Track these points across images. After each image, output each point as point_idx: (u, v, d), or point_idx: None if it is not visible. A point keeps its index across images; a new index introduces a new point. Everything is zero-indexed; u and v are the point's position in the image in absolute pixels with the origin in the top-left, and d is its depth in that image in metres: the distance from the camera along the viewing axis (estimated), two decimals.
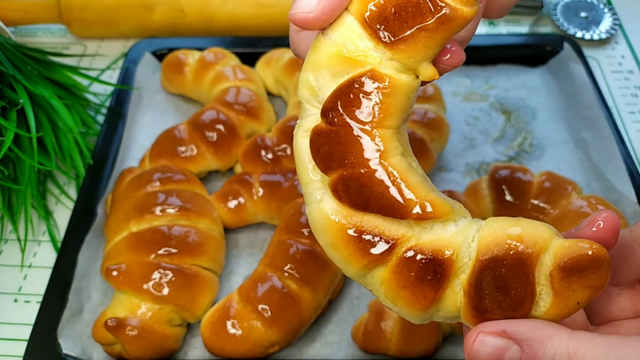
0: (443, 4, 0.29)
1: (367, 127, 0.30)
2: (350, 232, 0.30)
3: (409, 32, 0.30)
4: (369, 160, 0.30)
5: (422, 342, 0.49)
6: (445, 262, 0.29)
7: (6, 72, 0.58)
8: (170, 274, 0.50)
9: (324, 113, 0.31)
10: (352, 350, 0.51)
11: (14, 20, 0.77)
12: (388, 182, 0.30)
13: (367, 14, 0.30)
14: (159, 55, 0.74)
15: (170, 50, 0.73)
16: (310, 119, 0.32)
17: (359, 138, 0.30)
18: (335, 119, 0.30)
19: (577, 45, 0.72)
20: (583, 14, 0.79)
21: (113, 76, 0.75)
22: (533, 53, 0.75)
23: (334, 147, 0.30)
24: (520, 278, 0.29)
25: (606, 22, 0.79)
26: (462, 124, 0.69)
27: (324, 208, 0.31)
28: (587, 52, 0.76)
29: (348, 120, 0.30)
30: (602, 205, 0.54)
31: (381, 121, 0.30)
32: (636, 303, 0.33)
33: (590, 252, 0.28)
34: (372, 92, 0.30)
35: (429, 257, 0.29)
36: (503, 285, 0.29)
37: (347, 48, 0.30)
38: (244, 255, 0.58)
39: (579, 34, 0.77)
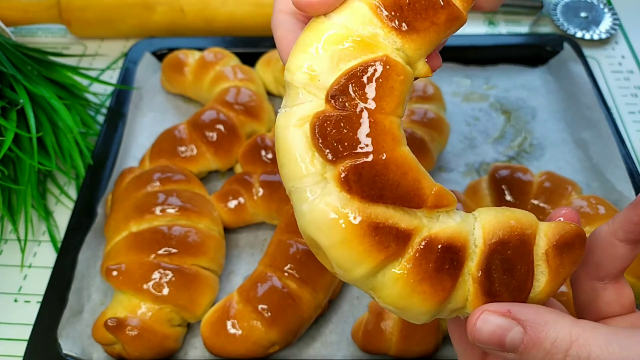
0: (450, 3, 0.30)
1: (380, 113, 0.29)
2: (365, 225, 0.28)
3: (422, 24, 0.29)
4: (383, 147, 0.28)
5: (422, 342, 0.49)
6: (460, 249, 0.29)
7: (6, 72, 0.58)
8: (170, 274, 0.50)
9: (333, 97, 0.29)
10: (352, 350, 0.51)
11: (14, 20, 0.78)
12: (404, 171, 0.29)
13: (380, 0, 0.30)
14: (159, 55, 0.74)
15: (170, 50, 0.73)
16: (307, 105, 0.29)
17: (372, 124, 0.28)
18: (347, 103, 0.28)
19: (577, 45, 0.72)
20: (583, 14, 0.79)
21: (113, 76, 0.75)
22: (533, 53, 0.75)
23: (345, 133, 0.28)
24: (523, 258, 0.30)
25: (606, 22, 0.79)
26: (462, 124, 0.69)
27: (329, 202, 0.28)
28: (587, 52, 0.76)
29: (361, 105, 0.29)
30: (602, 205, 0.54)
31: (394, 108, 0.29)
32: (621, 297, 0.33)
33: (574, 230, 0.31)
34: (386, 78, 0.29)
35: (445, 246, 0.29)
36: (509, 268, 0.30)
37: (358, 32, 0.29)
38: (244, 255, 0.58)
39: (579, 34, 0.77)
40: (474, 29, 0.81)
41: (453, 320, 0.35)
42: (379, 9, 0.29)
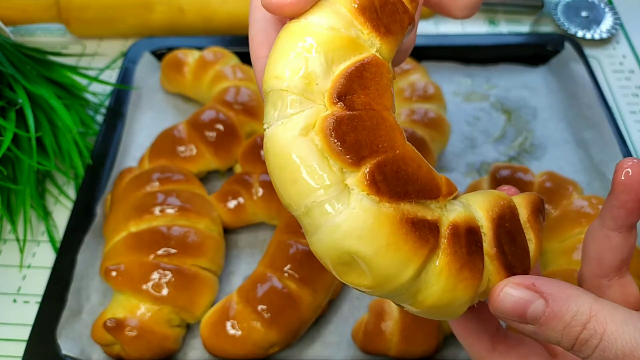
0: (407, 9, 0.31)
1: (385, 110, 0.29)
2: (404, 223, 0.27)
3: (394, 26, 0.30)
4: (396, 143, 0.28)
5: (423, 343, 0.49)
6: (477, 230, 0.30)
7: (5, 72, 0.58)
8: (169, 275, 0.50)
9: (340, 98, 0.27)
10: (352, 351, 0.51)
11: (13, 19, 0.77)
12: (418, 163, 0.28)
13: (357, 2, 0.29)
14: (158, 55, 0.74)
15: (170, 49, 0.73)
16: (308, 112, 0.27)
17: (382, 121, 0.28)
18: (354, 103, 0.27)
19: (578, 45, 0.72)
20: (584, 14, 0.79)
21: (112, 76, 0.75)
22: (534, 52, 0.74)
23: (361, 133, 0.27)
24: (518, 228, 0.32)
25: (607, 22, 0.79)
26: (463, 124, 0.69)
27: (363, 209, 0.26)
28: (588, 51, 0.76)
29: (370, 103, 0.28)
30: (602, 205, 0.54)
31: (392, 105, 0.29)
32: (626, 294, 0.33)
33: (538, 198, 0.34)
34: (381, 76, 0.29)
35: (467, 229, 0.29)
36: (512, 239, 0.31)
37: (344, 33, 0.29)
38: (244, 256, 0.58)
39: (579, 34, 0.77)
40: (474, 28, 0.81)
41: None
42: (358, 10, 0.29)
